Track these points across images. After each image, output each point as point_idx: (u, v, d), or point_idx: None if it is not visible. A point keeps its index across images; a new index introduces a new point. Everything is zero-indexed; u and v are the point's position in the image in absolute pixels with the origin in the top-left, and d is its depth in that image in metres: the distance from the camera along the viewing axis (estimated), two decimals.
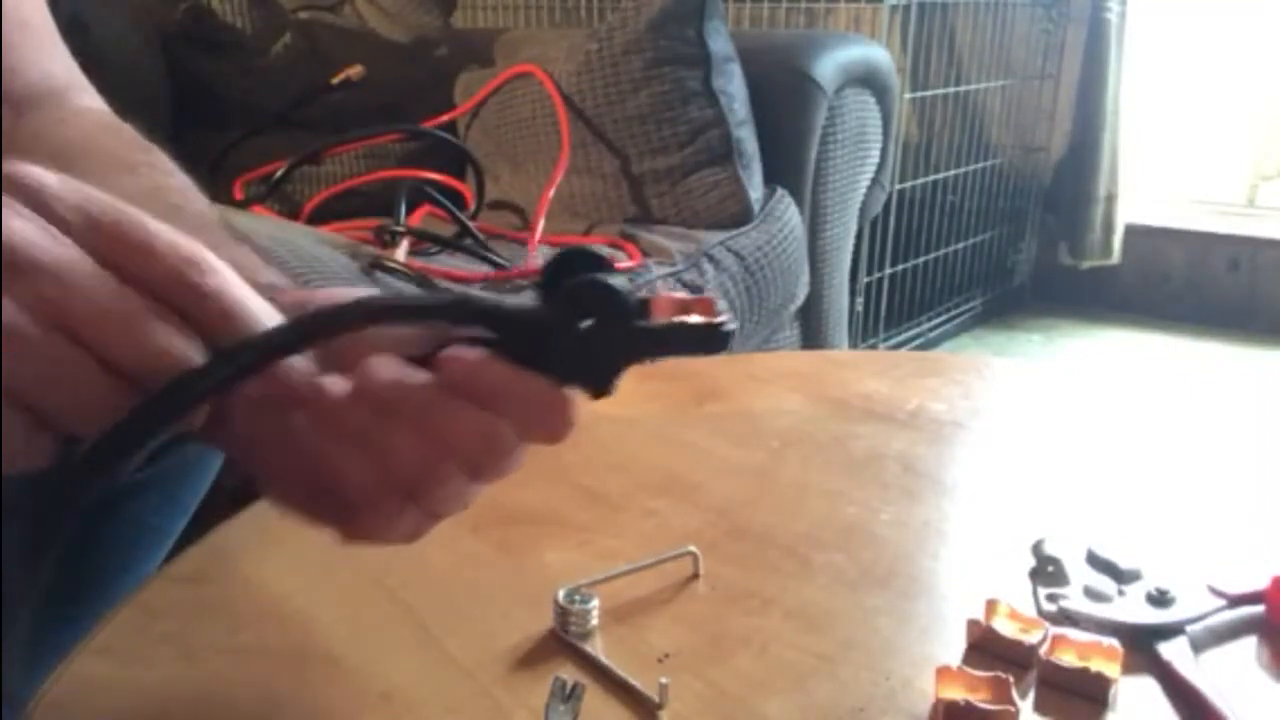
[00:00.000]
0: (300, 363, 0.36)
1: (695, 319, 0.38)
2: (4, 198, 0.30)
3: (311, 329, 0.35)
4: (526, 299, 0.38)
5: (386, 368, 0.36)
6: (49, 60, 0.56)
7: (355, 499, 0.37)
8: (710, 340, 0.38)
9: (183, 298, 0.32)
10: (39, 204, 0.31)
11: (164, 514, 0.74)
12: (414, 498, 0.37)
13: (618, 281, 0.37)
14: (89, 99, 0.57)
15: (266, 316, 0.34)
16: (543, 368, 0.38)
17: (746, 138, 1.55)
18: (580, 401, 0.38)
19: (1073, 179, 2.78)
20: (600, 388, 0.38)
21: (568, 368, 0.38)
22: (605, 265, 0.38)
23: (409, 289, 0.31)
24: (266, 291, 0.37)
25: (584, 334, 0.37)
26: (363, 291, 0.39)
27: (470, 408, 0.36)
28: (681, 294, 0.39)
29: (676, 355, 0.39)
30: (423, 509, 0.38)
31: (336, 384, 0.36)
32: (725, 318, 0.37)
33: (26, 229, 0.30)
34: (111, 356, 0.31)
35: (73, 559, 0.68)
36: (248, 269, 0.42)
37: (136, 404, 0.32)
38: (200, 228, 0.43)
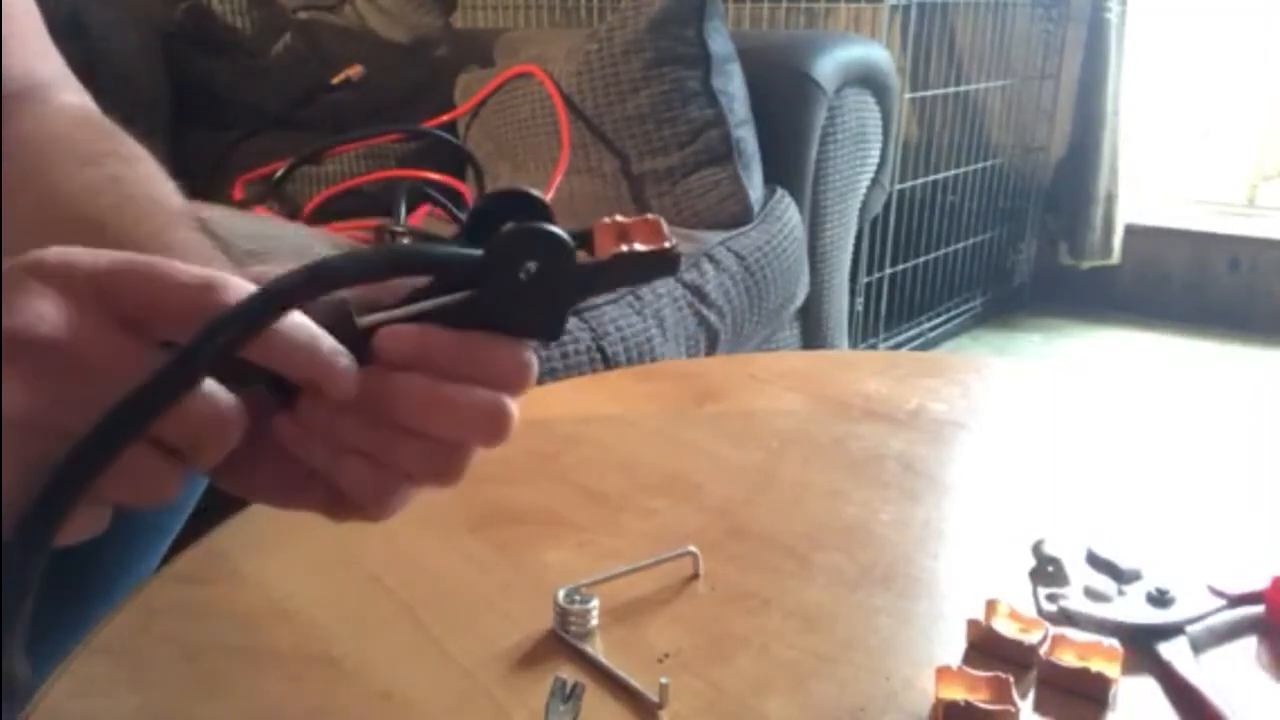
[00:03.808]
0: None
1: (640, 247, 0.36)
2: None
3: (252, 321, 0.33)
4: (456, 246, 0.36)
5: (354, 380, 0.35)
6: (31, 56, 0.56)
7: (359, 498, 0.37)
8: (658, 266, 0.36)
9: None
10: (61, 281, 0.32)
11: (162, 512, 0.74)
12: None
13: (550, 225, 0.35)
14: (71, 95, 0.57)
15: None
16: (486, 323, 0.35)
17: (746, 138, 1.55)
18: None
19: (1073, 179, 2.78)
20: (550, 335, 0.36)
21: (514, 320, 0.36)
22: (537, 204, 0.36)
23: (334, 253, 0.30)
24: None
25: (527, 282, 0.35)
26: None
27: (466, 391, 0.36)
28: (621, 218, 0.37)
29: (625, 285, 0.37)
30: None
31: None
32: (672, 241, 0.36)
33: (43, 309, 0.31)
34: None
35: (72, 558, 0.68)
36: (200, 255, 0.43)
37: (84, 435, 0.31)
38: (150, 213, 0.44)
